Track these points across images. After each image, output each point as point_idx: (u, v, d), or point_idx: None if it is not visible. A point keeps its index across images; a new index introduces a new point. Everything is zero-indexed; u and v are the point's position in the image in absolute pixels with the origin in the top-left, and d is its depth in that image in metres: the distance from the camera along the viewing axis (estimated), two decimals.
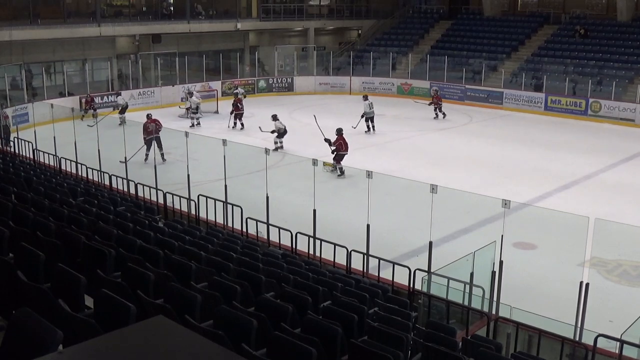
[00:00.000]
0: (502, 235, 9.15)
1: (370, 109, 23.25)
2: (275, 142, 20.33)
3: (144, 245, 7.28)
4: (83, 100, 25.64)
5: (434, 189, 9.70)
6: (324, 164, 15.56)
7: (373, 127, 23.28)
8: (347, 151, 17.78)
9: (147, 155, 17.65)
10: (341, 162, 17.37)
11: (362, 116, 23.26)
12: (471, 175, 17.61)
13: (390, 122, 25.96)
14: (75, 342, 2.42)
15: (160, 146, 18.24)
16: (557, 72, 29.42)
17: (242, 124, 23.71)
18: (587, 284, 8.86)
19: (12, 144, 18.46)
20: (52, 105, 17.88)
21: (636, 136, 23.82)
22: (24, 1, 28.00)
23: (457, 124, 25.87)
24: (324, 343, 5.14)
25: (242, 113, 23.91)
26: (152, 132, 18.23)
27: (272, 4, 36.73)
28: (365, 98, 23.78)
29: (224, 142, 12.94)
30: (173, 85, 28.97)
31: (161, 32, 31.23)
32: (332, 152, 17.51)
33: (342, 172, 17.27)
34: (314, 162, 11.52)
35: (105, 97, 26.71)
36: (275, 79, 32.97)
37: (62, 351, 2.35)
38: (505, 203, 9.02)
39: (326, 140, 17.79)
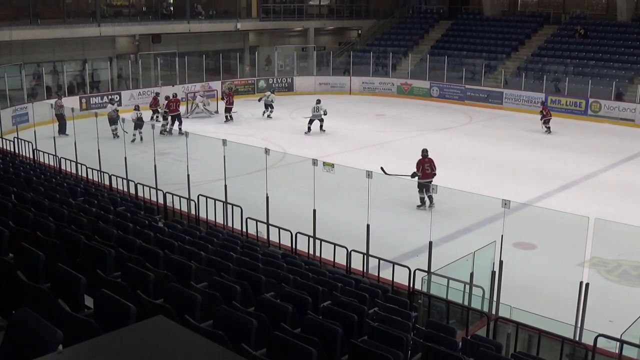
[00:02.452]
0: (502, 235, 9.15)
1: (317, 111, 23.28)
2: (133, 134, 20.96)
3: (144, 245, 7.28)
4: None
5: (433, 189, 9.70)
6: (324, 164, 15.52)
7: (310, 128, 23.26)
8: (431, 177, 14.78)
9: (171, 128, 22.44)
10: (428, 191, 13.98)
11: (313, 118, 23.30)
12: (471, 175, 17.61)
13: (390, 122, 25.98)
14: (75, 342, 2.41)
15: (180, 122, 22.64)
16: (557, 72, 29.44)
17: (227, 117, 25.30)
18: (587, 284, 8.86)
19: (67, 133, 20.10)
20: (52, 105, 17.90)
21: (636, 136, 23.82)
22: (24, 1, 27.99)
23: (457, 124, 25.88)
24: (324, 343, 5.13)
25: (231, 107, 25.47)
26: (174, 110, 22.77)
27: (272, 4, 36.73)
28: (318, 102, 23.83)
29: (224, 142, 12.94)
30: (173, 85, 28.94)
31: (161, 32, 31.23)
32: (412, 176, 14.95)
33: (423, 203, 14.53)
34: (314, 162, 11.51)
35: (105, 97, 26.68)
36: (275, 79, 32.97)
37: (62, 351, 2.35)
38: (505, 203, 9.02)
39: (413, 175, 15.02)
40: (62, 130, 20.78)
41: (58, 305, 3.96)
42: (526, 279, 10.98)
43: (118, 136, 21.06)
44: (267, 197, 12.28)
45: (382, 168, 14.94)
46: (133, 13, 32.74)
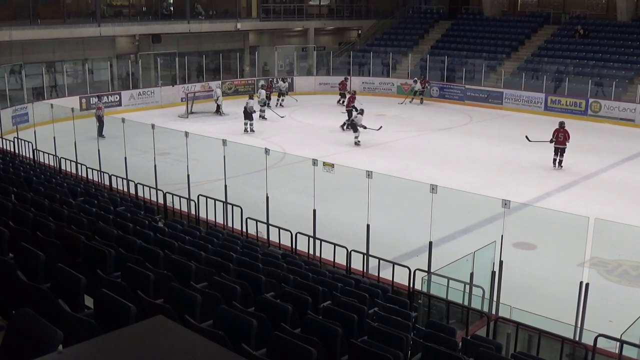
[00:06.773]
0: (502, 235, 9.15)
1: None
2: (245, 123, 22.47)
3: (144, 245, 7.28)
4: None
5: (434, 189, 9.71)
6: (324, 164, 15.52)
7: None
8: (564, 144, 18.35)
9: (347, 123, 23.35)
10: (562, 155, 18.39)
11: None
12: (471, 175, 17.60)
13: (390, 122, 25.95)
14: (75, 342, 2.41)
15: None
16: (557, 72, 29.43)
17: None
18: (587, 284, 8.86)
19: (104, 135, 20.65)
20: (52, 105, 17.89)
21: (636, 136, 23.80)
22: (24, 1, 27.98)
23: (457, 124, 25.87)
24: (324, 343, 5.13)
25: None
26: (349, 105, 23.96)
27: (272, 4, 36.72)
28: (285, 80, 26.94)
29: (224, 142, 12.95)
30: (173, 85, 28.98)
31: (161, 32, 31.22)
32: (550, 142, 18.61)
33: (555, 164, 18.49)
34: (314, 162, 11.52)
35: (105, 97, 26.66)
36: (275, 79, 32.93)
37: (62, 351, 2.35)
38: (505, 203, 9.03)
39: (551, 141, 18.60)
40: (99, 133, 20.87)
41: (58, 305, 3.95)
42: (526, 279, 10.98)
43: (253, 131, 22.49)
44: (267, 197, 12.28)
45: (526, 137, 19.34)
46: (133, 13, 32.72)
